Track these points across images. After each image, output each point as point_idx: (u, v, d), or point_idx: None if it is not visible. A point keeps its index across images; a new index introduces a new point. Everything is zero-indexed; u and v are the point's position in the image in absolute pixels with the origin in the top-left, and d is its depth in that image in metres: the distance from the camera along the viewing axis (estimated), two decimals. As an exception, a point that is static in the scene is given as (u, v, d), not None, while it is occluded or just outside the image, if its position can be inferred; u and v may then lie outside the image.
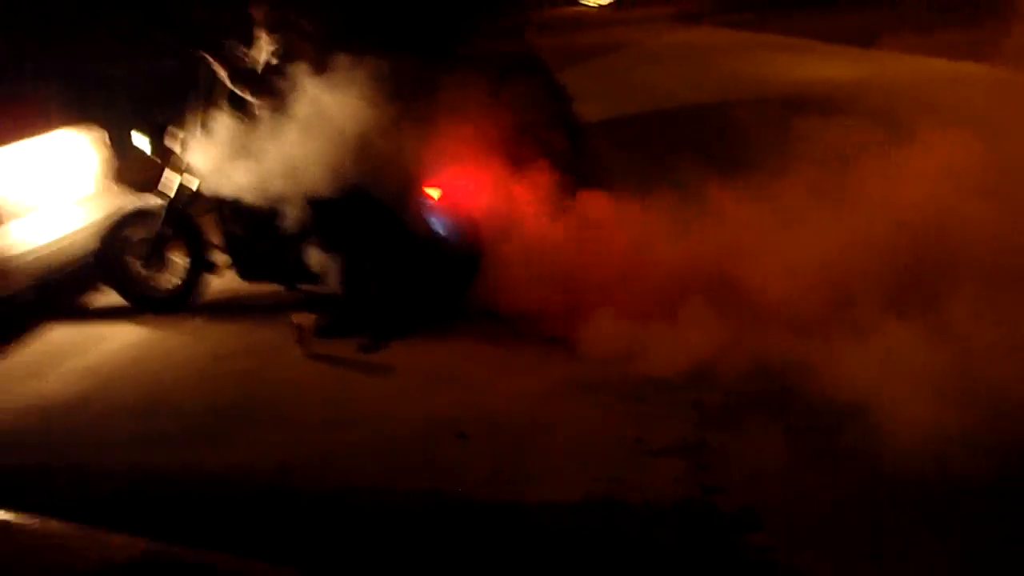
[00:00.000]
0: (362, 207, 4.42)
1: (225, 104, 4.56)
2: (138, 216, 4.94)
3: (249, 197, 4.48)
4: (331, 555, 2.73)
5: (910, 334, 3.36)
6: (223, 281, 5.08)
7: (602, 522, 2.87)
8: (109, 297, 5.26)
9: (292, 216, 4.46)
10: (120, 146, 5.40)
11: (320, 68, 4.37)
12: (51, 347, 4.73)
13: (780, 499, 2.86)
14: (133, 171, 5.34)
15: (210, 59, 4.46)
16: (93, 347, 4.67)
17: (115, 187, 5.33)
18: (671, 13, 24.34)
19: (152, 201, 4.94)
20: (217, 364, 4.32)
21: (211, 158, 4.49)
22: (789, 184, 4.25)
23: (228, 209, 4.68)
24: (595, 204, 4.69)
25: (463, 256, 4.58)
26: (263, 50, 4.57)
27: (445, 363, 4.09)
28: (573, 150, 6.12)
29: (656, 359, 3.80)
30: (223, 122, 4.48)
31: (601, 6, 37.91)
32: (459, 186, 4.64)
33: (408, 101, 4.57)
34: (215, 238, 4.95)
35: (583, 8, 36.66)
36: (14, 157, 4.58)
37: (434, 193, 4.55)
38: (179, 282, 5.00)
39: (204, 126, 4.55)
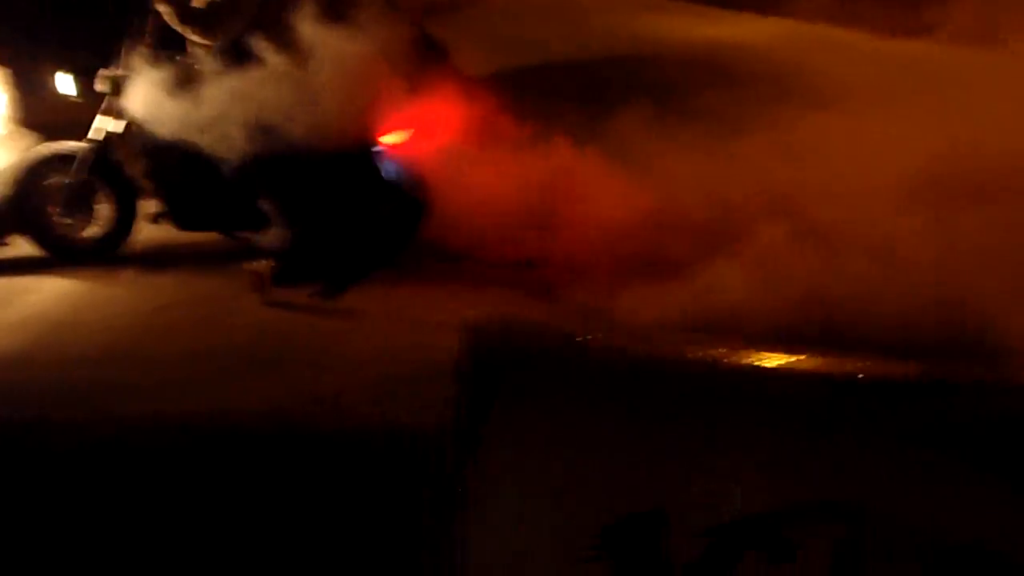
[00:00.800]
0: (311, 152, 4.37)
1: (166, 44, 4.38)
2: (55, 160, 4.66)
3: (189, 142, 4.35)
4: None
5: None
6: (148, 232, 4.89)
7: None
8: (19, 248, 4.96)
9: (235, 161, 4.36)
10: (28, 86, 5.03)
11: (269, 7, 4.28)
12: (-32, 300, 4.42)
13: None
14: (44, 112, 5.01)
15: (154, -3, 4.27)
16: (16, 299, 4.39)
17: (22, 130, 4.97)
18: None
19: (68, 145, 4.67)
20: (165, 313, 4.17)
21: (150, 101, 4.31)
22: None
23: (165, 155, 4.50)
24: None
25: (411, 199, 4.64)
26: (207, -14, 4.41)
27: (411, 304, 4.15)
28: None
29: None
30: (164, 63, 4.31)
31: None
32: (405, 128, 4.67)
33: (350, 43, 4.54)
34: (145, 185, 4.75)
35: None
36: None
37: (384, 137, 4.57)
38: (102, 231, 4.77)
39: (142, 67, 4.34)
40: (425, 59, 6.01)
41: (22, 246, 4.92)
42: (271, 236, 4.50)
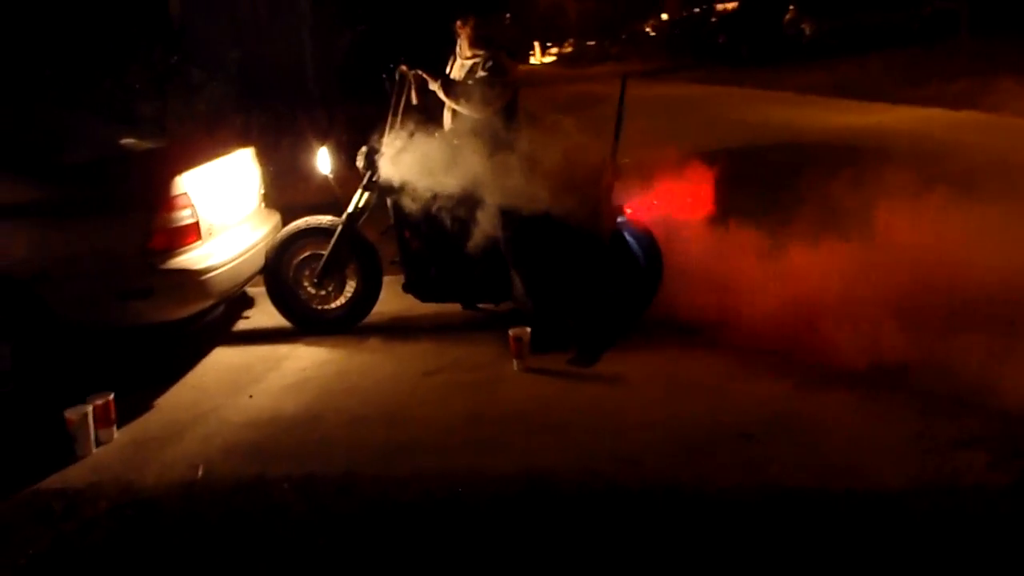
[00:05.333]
0: (556, 223, 4.46)
1: (418, 119, 4.59)
2: (307, 233, 4.88)
3: (442, 216, 4.51)
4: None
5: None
6: (378, 304, 5.03)
7: (941, 504, 2.95)
8: (260, 319, 5.18)
9: (481, 233, 4.48)
10: (285, 163, 5.33)
11: (520, 83, 4.47)
12: (233, 367, 4.59)
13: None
14: (301, 188, 5.28)
15: (424, 73, 4.50)
16: (281, 365, 4.55)
17: (274, 204, 5.26)
18: (632, 70, 25.11)
19: (323, 219, 4.89)
20: (429, 380, 4.26)
21: (403, 174, 4.49)
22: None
23: (412, 226, 4.66)
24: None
25: (648, 269, 4.68)
26: (463, 67, 4.64)
27: (671, 371, 4.13)
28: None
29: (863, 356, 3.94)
30: (416, 137, 4.50)
31: (544, 63, 39.04)
32: (644, 201, 4.74)
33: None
34: (389, 257, 4.91)
35: (530, 66, 37.68)
36: (210, 175, 4.50)
37: (625, 208, 4.64)
38: (348, 303, 4.93)
39: (397, 141, 4.55)
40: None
41: (262, 318, 5.13)
42: (522, 305, 4.56)
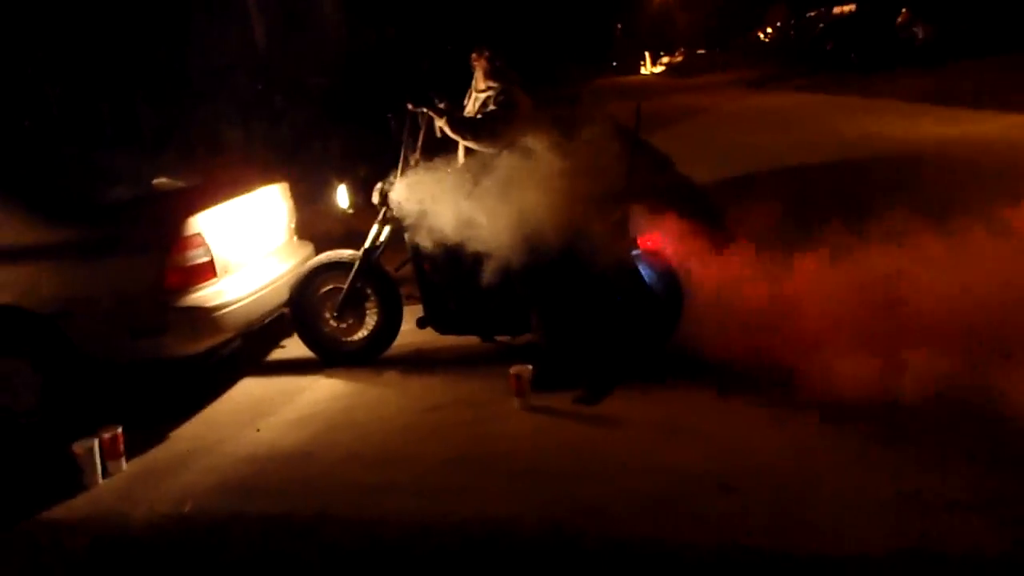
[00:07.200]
0: (572, 255, 4.40)
1: (432, 155, 4.63)
2: (329, 267, 4.99)
3: (456, 249, 4.52)
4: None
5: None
6: (402, 335, 5.09)
7: (921, 573, 2.75)
8: (294, 350, 5.31)
9: (496, 266, 4.46)
10: (310, 198, 5.49)
11: (534, 116, 4.44)
12: (252, 398, 4.75)
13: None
14: (324, 222, 5.42)
15: (429, 111, 4.54)
16: (297, 398, 4.67)
17: (298, 239, 5.40)
18: (738, 79, 24.68)
19: (343, 253, 4.99)
20: (430, 416, 4.27)
21: (420, 210, 4.53)
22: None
23: (429, 260, 4.70)
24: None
25: (666, 304, 4.56)
26: (476, 100, 4.65)
27: (673, 413, 4.00)
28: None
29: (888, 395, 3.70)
30: (435, 174, 4.54)
31: (654, 73, 38.65)
32: (660, 236, 4.63)
33: (604, 155, 4.59)
34: (407, 290, 4.97)
35: (640, 76, 37.38)
36: (229, 214, 4.66)
37: (642, 242, 4.55)
38: (369, 335, 5.01)
39: (414, 178, 4.60)
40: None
41: (296, 348, 5.26)
42: (532, 339, 4.53)
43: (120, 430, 3.97)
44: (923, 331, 4.02)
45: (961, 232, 4.48)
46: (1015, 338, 3.76)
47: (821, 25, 24.22)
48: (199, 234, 4.36)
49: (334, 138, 10.30)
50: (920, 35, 19.16)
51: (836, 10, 26.75)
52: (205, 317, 4.35)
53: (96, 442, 3.87)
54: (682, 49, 38.19)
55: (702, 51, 36.00)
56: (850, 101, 15.53)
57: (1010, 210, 4.56)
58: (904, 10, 19.80)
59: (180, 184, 5.14)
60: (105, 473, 3.91)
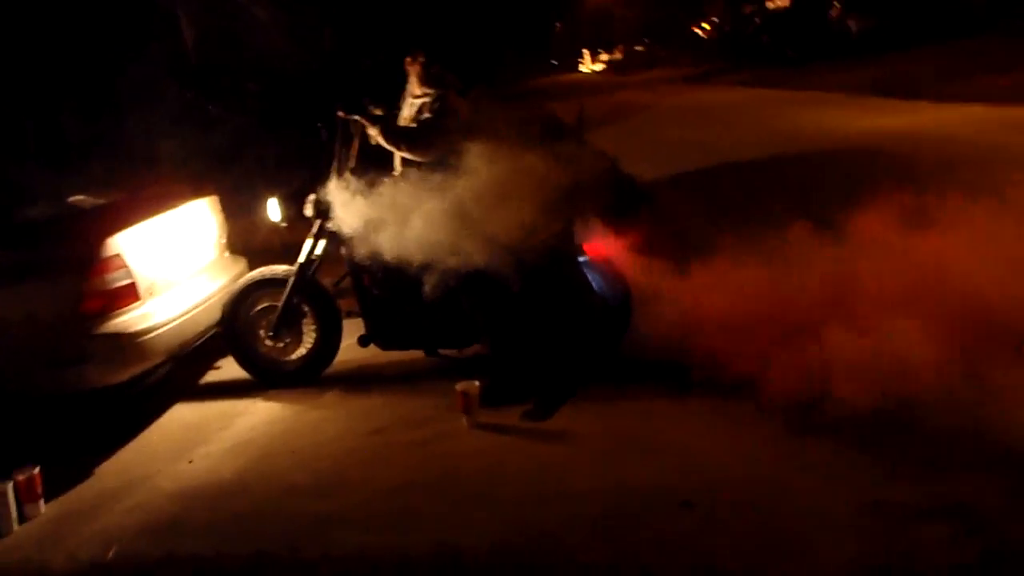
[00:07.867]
0: (517, 265, 4.22)
1: (367, 165, 4.42)
2: (264, 285, 4.74)
3: (395, 262, 4.31)
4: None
5: None
6: (344, 352, 4.86)
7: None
8: (227, 371, 5.05)
9: (441, 279, 4.26)
10: (240, 212, 5.22)
11: (471, 122, 4.25)
12: (186, 426, 4.48)
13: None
14: (256, 236, 5.16)
15: (361, 119, 4.32)
16: (233, 423, 4.42)
17: (230, 254, 5.14)
18: (678, 75, 24.73)
19: (277, 269, 4.75)
20: (374, 439, 4.05)
21: (356, 223, 4.31)
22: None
23: (370, 276, 4.48)
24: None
25: (616, 310, 4.42)
26: (412, 105, 4.45)
27: (627, 425, 3.84)
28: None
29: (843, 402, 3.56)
30: (369, 185, 4.32)
31: (594, 71, 38.69)
32: (606, 240, 4.48)
33: (547, 160, 4.43)
34: (346, 306, 4.75)
35: (580, 75, 37.39)
36: (152, 232, 4.39)
37: (589, 248, 4.39)
38: (308, 354, 4.77)
39: (347, 190, 4.37)
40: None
41: (233, 369, 5.00)
42: (480, 352, 4.34)
43: (37, 470, 3.68)
44: (876, 330, 3.92)
45: (905, 226, 4.39)
46: (972, 338, 3.68)
47: (757, 20, 24.39)
48: (119, 255, 4.09)
49: (270, 147, 10.00)
50: (854, 28, 19.40)
51: (770, 4, 27.00)
52: (128, 343, 4.08)
53: (10, 485, 3.58)
54: (621, 46, 38.21)
55: (641, 48, 36.05)
56: (788, 95, 15.64)
57: (941, 199, 4.43)
58: (836, 3, 20.05)
59: (100, 201, 4.83)
60: (22, 518, 3.62)
